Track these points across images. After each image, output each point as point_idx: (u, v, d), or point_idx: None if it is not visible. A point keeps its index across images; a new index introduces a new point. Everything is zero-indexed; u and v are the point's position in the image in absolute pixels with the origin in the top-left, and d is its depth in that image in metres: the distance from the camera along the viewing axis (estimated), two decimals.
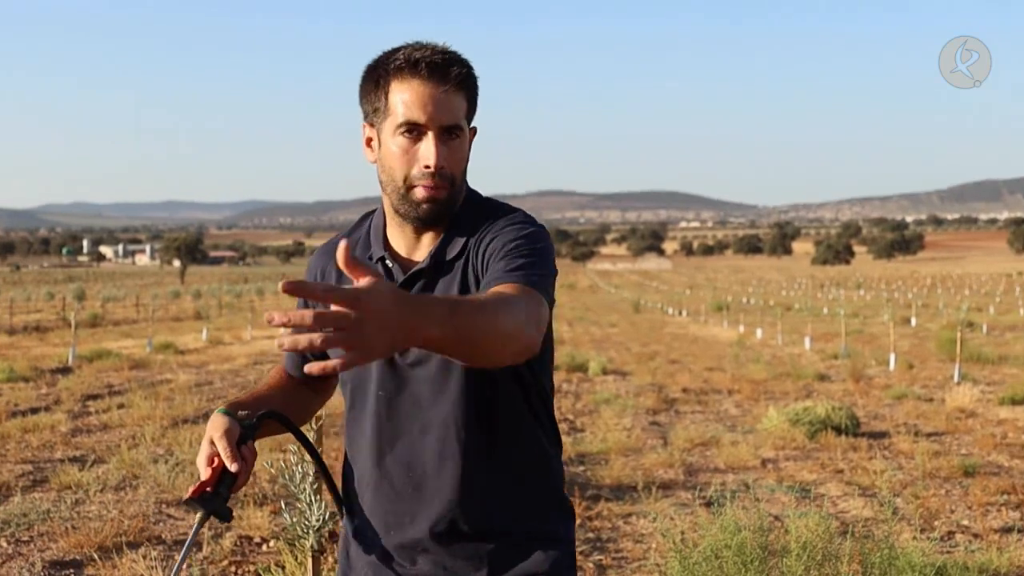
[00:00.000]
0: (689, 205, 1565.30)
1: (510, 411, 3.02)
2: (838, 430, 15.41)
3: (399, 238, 3.06)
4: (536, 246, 2.91)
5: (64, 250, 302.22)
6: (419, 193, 2.91)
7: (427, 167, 2.89)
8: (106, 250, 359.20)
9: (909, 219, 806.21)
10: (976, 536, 9.80)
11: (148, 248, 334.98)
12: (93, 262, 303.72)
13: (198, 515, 2.86)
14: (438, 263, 2.99)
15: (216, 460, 2.86)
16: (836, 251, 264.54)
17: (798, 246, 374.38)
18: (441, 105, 2.88)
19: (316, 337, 2.05)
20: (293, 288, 2.05)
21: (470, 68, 2.96)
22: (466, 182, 3.05)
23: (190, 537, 2.90)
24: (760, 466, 13.26)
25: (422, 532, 3.00)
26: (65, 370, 24.97)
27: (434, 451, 2.97)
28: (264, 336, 40.63)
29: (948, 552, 8.87)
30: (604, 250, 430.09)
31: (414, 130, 2.89)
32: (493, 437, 2.99)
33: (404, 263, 3.04)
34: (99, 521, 10.01)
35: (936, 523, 10.31)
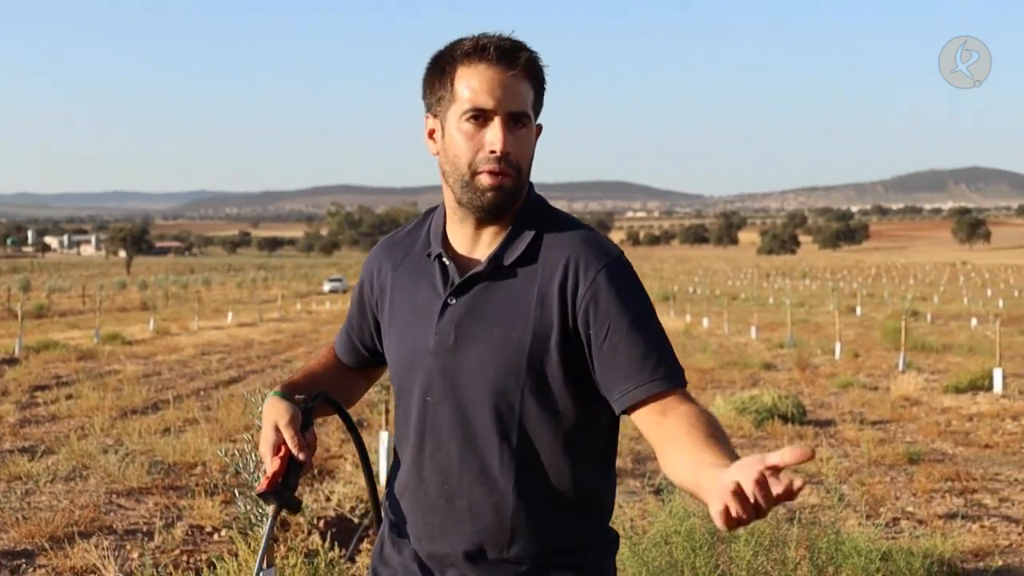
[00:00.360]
0: (636, 195, 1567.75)
1: (555, 436, 2.87)
2: (785, 418, 15.57)
3: (458, 235, 2.96)
4: (651, 314, 2.87)
5: (8, 241, 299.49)
6: (484, 180, 2.82)
7: (492, 152, 2.81)
8: (51, 241, 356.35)
9: (854, 209, 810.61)
10: (921, 522, 9.94)
11: (94, 239, 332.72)
12: (38, 253, 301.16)
13: (270, 508, 2.83)
14: (497, 267, 2.89)
15: (283, 449, 2.83)
16: (782, 241, 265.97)
17: (744, 236, 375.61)
18: (509, 90, 2.81)
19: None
20: None
21: (538, 57, 2.88)
22: (531, 184, 2.97)
23: (266, 532, 2.87)
24: None
25: (450, 547, 2.90)
26: (12, 361, 24.81)
27: (472, 468, 2.87)
28: (211, 326, 40.54)
29: (893, 538, 8.98)
30: None
31: (480, 116, 2.82)
32: (531, 460, 2.87)
33: (461, 262, 2.94)
34: (50, 511, 9.99)
35: (882, 509, 10.45)
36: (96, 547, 8.65)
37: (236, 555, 7.03)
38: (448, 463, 2.88)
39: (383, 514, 3.16)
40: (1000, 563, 8.61)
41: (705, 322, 43.07)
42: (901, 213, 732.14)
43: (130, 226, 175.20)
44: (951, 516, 10.20)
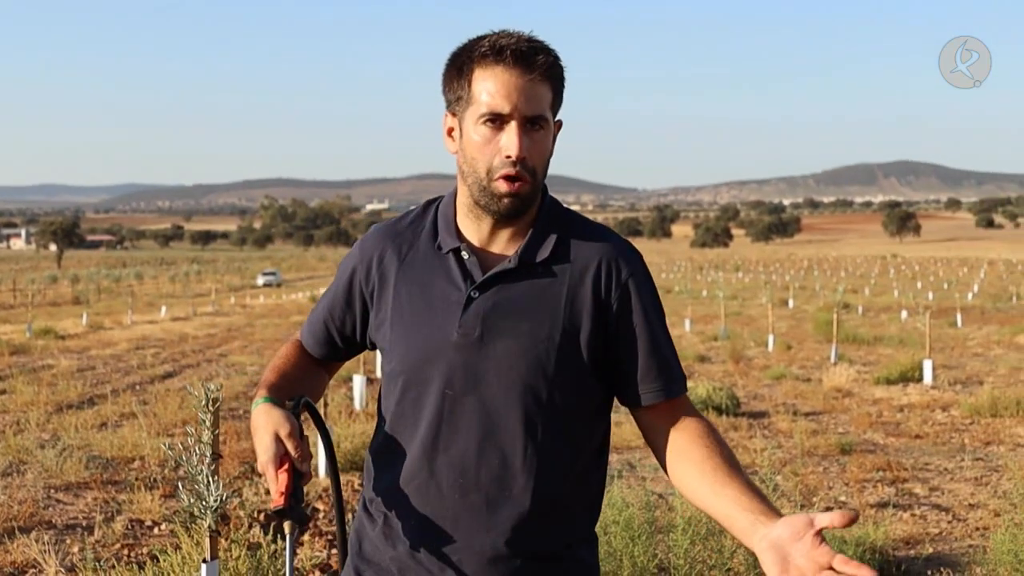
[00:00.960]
0: (569, 188, 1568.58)
1: (581, 442, 2.94)
2: (719, 410, 15.75)
3: (472, 230, 2.98)
4: (660, 306, 2.99)
5: None
6: (501, 187, 2.83)
7: (508, 157, 2.81)
8: None
9: (786, 202, 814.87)
10: (853, 511, 10.09)
11: (23, 232, 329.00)
12: None
13: (286, 526, 2.77)
14: (525, 264, 2.92)
15: (287, 461, 2.79)
16: (715, 234, 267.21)
17: (677, 229, 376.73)
18: (525, 94, 2.82)
19: None
20: None
21: (557, 58, 2.89)
22: (544, 186, 2.99)
23: (288, 551, 2.80)
24: (643, 446, 13.49)
25: (461, 541, 2.88)
26: None
27: (492, 463, 2.87)
28: (145, 320, 40.32)
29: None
30: None
31: (497, 120, 2.83)
32: (550, 456, 2.89)
33: (481, 257, 2.95)
34: None
35: (815, 499, 10.61)
36: (36, 541, 8.67)
37: (179, 548, 7.08)
38: (465, 457, 2.87)
39: (361, 510, 3.10)
40: (930, 550, 8.78)
41: None
42: (832, 206, 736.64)
43: (61, 219, 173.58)
44: (883, 505, 10.38)
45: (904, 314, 41.29)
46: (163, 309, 47.31)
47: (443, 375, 2.88)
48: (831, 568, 2.33)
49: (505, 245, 2.95)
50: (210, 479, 5.48)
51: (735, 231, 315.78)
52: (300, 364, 3.23)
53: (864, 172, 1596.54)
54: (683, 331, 34.91)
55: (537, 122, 2.84)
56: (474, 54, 2.85)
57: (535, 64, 2.82)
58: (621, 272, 2.91)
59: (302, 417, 3.00)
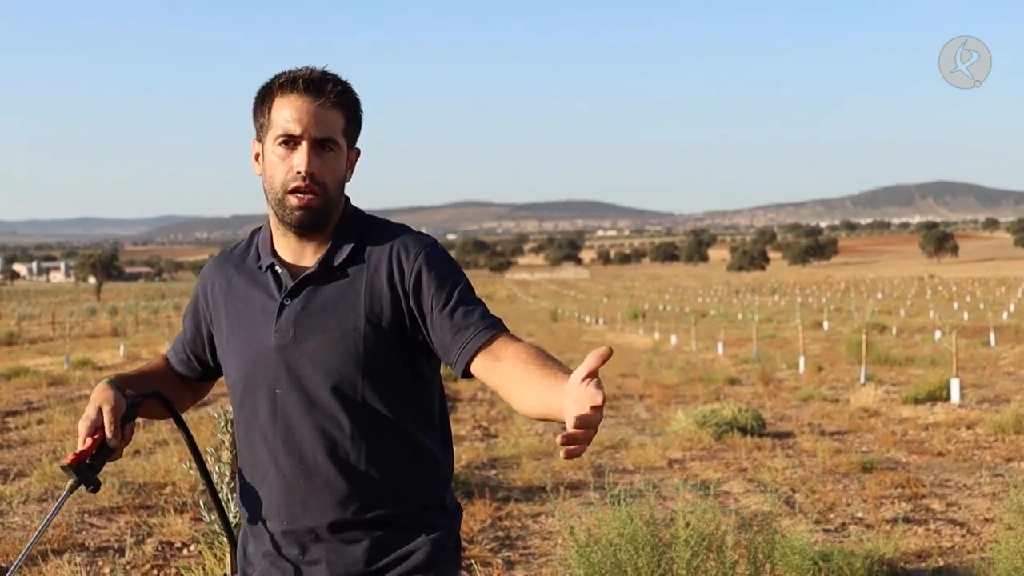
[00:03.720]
0: (606, 214, 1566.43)
1: (405, 415, 3.25)
2: (744, 431, 15.87)
3: (284, 247, 3.31)
4: (460, 277, 3.25)
5: None
6: (293, 200, 3.18)
7: (299, 172, 3.15)
8: (20, 268, 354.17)
9: (823, 224, 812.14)
10: (869, 527, 10.26)
11: (63, 265, 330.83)
12: (7, 280, 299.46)
13: (69, 482, 3.08)
14: (327, 268, 3.24)
15: (99, 432, 3.10)
16: (751, 257, 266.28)
17: (714, 253, 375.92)
18: (315, 118, 3.17)
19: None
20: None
21: (346, 86, 3.25)
22: (347, 198, 3.34)
23: (58, 503, 3.14)
24: (667, 466, 13.68)
25: (313, 521, 3.21)
26: None
27: (322, 445, 3.19)
28: None
29: (841, 541, 9.31)
30: (522, 260, 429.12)
31: (290, 141, 3.18)
32: (377, 433, 3.21)
33: (292, 268, 3.28)
34: (23, 531, 10.25)
35: (831, 515, 10.78)
36: (69, 563, 8.91)
37: (203, 565, 7.33)
38: (302, 445, 3.20)
39: (241, 518, 3.42)
40: (941, 563, 8.95)
41: (673, 339, 43.34)
42: (869, 228, 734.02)
43: (99, 252, 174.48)
44: (898, 520, 10.51)
45: (938, 334, 41.24)
46: None
47: (270, 377, 3.23)
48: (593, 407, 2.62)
49: (312, 257, 3.28)
50: (229, 496, 5.73)
51: (772, 254, 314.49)
52: (163, 373, 3.57)
53: (901, 193, 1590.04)
54: (716, 354, 35.00)
55: (327, 144, 3.20)
56: (274, 85, 3.24)
57: (324, 91, 3.19)
58: (409, 256, 3.22)
59: (145, 412, 3.32)
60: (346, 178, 3.31)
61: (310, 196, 3.17)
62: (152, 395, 3.30)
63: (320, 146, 3.19)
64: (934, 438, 15.81)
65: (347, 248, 3.26)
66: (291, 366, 3.20)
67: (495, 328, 3.14)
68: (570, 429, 2.61)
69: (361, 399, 3.19)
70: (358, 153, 3.36)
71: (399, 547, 3.22)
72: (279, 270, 3.29)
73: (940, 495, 11.83)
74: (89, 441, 3.07)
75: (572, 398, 2.65)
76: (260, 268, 3.33)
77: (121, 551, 9.60)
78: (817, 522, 10.26)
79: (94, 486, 3.10)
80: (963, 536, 9.97)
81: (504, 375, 3.04)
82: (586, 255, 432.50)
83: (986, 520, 10.57)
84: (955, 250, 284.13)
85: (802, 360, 28.28)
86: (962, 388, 20.07)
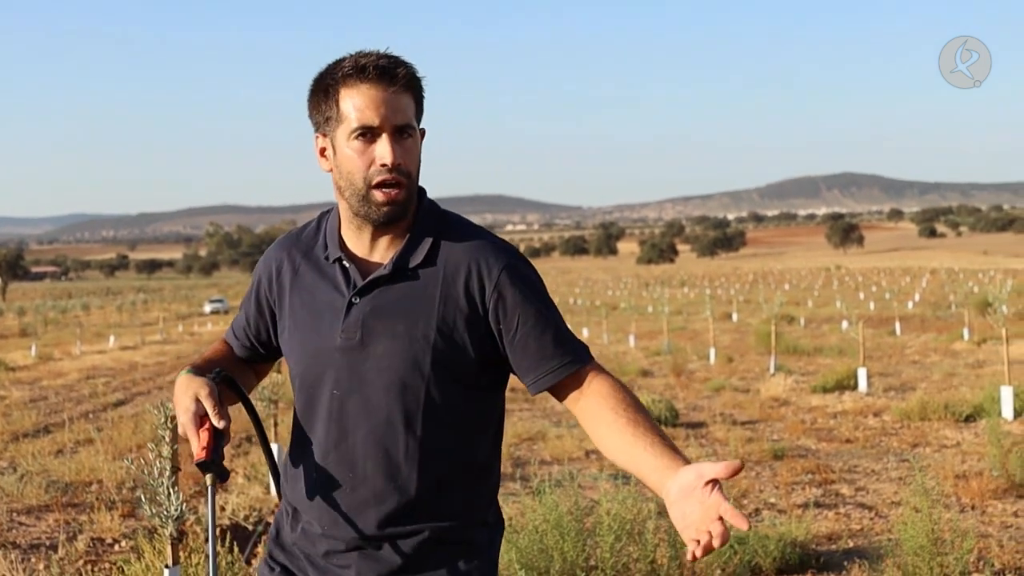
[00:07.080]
0: (515, 208, 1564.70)
1: (465, 431, 3.13)
2: (657, 421, 16.15)
3: (355, 240, 3.17)
4: (551, 304, 3.16)
5: None
6: (378, 196, 3.03)
7: (384, 165, 3.00)
8: None
9: (731, 216, 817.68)
10: (781, 512, 10.58)
11: None
12: None
13: (207, 479, 3.00)
14: (399, 270, 3.10)
15: (206, 420, 3.02)
16: (660, 250, 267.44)
17: (623, 246, 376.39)
18: (392, 106, 3.01)
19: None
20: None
21: (415, 69, 3.08)
22: (422, 188, 3.19)
23: (210, 502, 3.05)
24: (584, 457, 13.94)
25: (352, 530, 3.09)
26: None
27: (374, 456, 3.06)
28: (94, 351, 40.45)
29: (755, 526, 9.63)
30: None
31: (368, 133, 3.01)
32: (433, 448, 3.08)
33: (361, 265, 3.15)
34: None
35: (745, 501, 11.12)
36: (5, 559, 9.06)
37: (141, 558, 7.52)
38: (353, 453, 3.08)
39: (282, 503, 3.31)
40: (850, 544, 9.30)
41: (585, 332, 43.72)
42: (777, 220, 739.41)
43: (4, 251, 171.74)
44: (809, 505, 10.86)
45: (845, 324, 41.86)
46: (111, 339, 47.46)
47: (331, 377, 3.12)
48: (721, 519, 2.61)
49: (384, 252, 3.15)
50: (170, 490, 5.93)
51: (681, 247, 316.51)
52: (227, 356, 3.47)
53: (807, 185, 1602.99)
54: (628, 347, 35.38)
55: (405, 131, 3.06)
56: (338, 75, 3.06)
57: (396, 77, 3.03)
58: (491, 270, 3.09)
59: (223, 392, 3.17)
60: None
61: (397, 189, 3.05)
62: (223, 374, 3.20)
63: (399, 133, 3.05)
64: (842, 426, 16.24)
65: (424, 248, 3.13)
66: (354, 369, 3.09)
67: (581, 361, 3.10)
68: (704, 542, 2.63)
69: (422, 411, 3.07)
70: (424, 134, 3.18)
71: (433, 567, 3.12)
72: (347, 265, 3.16)
73: (849, 480, 12.21)
74: (205, 433, 3.00)
75: (697, 500, 2.67)
76: (327, 259, 3.21)
77: (54, 548, 9.72)
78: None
79: (225, 476, 3.06)
80: (871, 519, 10.33)
81: (591, 415, 3.06)
82: None
83: (893, 503, 10.93)
84: (861, 241, 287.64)
85: (712, 351, 28.74)
86: (869, 377, 20.60)
